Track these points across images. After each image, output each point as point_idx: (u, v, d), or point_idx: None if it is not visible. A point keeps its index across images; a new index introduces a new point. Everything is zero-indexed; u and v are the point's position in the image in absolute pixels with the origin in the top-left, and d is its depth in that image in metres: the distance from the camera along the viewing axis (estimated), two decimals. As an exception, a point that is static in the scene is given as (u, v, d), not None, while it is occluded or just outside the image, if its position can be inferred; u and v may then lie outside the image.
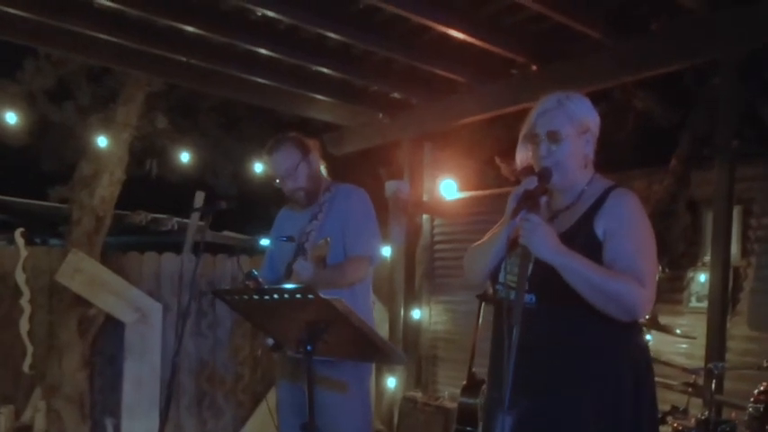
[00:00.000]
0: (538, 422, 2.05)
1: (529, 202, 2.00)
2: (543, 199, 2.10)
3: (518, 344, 2.03)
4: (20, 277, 5.68)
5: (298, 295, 2.30)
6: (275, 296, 2.37)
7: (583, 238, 2.05)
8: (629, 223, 2.06)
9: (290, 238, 3.11)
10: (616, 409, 2.02)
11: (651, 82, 4.54)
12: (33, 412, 5.71)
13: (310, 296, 2.25)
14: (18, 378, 5.72)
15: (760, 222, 4.15)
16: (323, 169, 3.25)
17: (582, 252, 2.00)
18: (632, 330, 2.11)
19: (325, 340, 2.37)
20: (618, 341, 2.06)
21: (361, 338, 2.41)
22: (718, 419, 3.00)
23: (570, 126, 2.08)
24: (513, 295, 2.07)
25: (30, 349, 5.71)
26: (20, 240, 5.73)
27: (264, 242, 3.31)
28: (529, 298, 2.07)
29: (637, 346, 2.13)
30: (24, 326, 5.70)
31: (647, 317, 2.14)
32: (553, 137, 2.08)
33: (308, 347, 2.36)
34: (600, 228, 2.05)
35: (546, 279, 2.01)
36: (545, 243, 1.96)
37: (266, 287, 2.89)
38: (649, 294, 1.98)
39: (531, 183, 2.06)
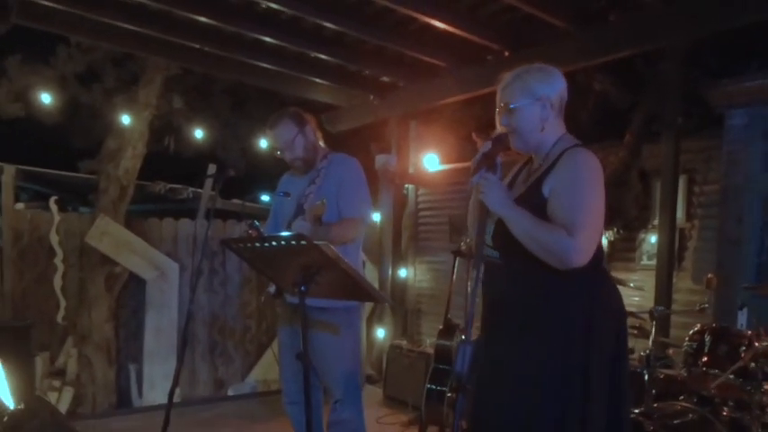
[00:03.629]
0: (500, 361, 2.09)
1: (486, 162, 2.01)
2: (499, 159, 2.07)
3: (488, 294, 2.11)
4: (54, 239, 5.74)
5: (292, 242, 2.29)
6: (273, 243, 2.35)
7: (532, 197, 2.03)
8: (570, 180, 1.98)
9: (286, 194, 3.11)
10: (565, 351, 1.97)
11: (609, 67, 4.56)
12: (66, 358, 5.81)
13: (303, 242, 2.25)
14: (53, 328, 5.79)
15: (702, 189, 4.19)
16: (320, 140, 3.20)
17: (532, 209, 1.97)
18: (584, 280, 2.00)
19: (317, 282, 2.36)
20: (568, 291, 1.99)
21: (348, 280, 2.40)
22: (658, 355, 3.05)
23: (522, 97, 2.04)
24: (489, 252, 2.10)
25: (63, 303, 5.79)
26: (54, 207, 5.78)
27: (265, 198, 3.32)
28: (495, 254, 2.08)
29: (589, 295, 2.02)
30: (58, 282, 5.78)
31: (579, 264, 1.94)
32: (507, 108, 2.07)
33: (303, 288, 2.37)
34: (547, 187, 2.01)
35: (504, 237, 2.02)
36: (495, 198, 1.97)
37: (265, 235, 2.90)
38: (578, 244, 1.91)
39: (486, 146, 2.05)
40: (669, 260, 3.98)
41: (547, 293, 2.01)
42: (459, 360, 1.96)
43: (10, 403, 3.70)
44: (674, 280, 4.09)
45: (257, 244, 2.47)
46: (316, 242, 2.25)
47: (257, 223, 2.95)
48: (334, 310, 2.97)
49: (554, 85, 2.08)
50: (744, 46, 4.25)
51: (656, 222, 4.24)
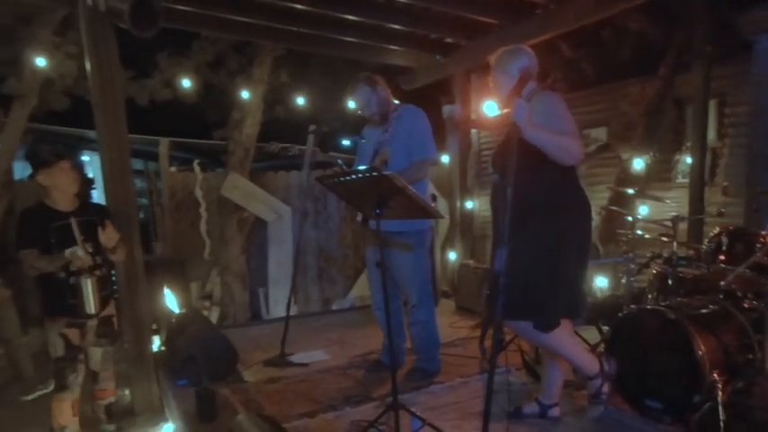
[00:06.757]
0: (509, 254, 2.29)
1: (515, 93, 2.21)
2: (524, 95, 2.29)
3: (493, 208, 2.37)
4: (198, 194, 6.14)
5: (367, 174, 2.46)
6: (353, 176, 2.54)
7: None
8: (546, 110, 2.26)
9: (362, 137, 3.29)
10: (546, 236, 2.25)
11: (644, 8, 4.31)
12: (213, 285, 6.23)
13: (375, 174, 2.45)
14: (201, 262, 6.18)
15: (733, 111, 4.00)
16: (390, 95, 3.28)
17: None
18: (565, 189, 2.30)
19: (389, 206, 2.56)
20: (553, 199, 2.27)
21: (413, 204, 2.55)
22: (684, 257, 3.03)
23: (500, 76, 2.41)
24: (492, 176, 2.41)
25: (207, 242, 6.18)
26: (197, 169, 6.15)
27: (346, 142, 3.48)
28: (495, 176, 2.39)
29: (573, 198, 2.32)
30: (203, 227, 6.18)
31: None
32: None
33: (378, 211, 2.58)
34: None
35: (501, 160, 2.29)
36: (524, 115, 2.14)
37: (346, 170, 3.11)
38: (580, 147, 2.24)
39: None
40: (700, 177, 3.86)
41: (538, 200, 2.28)
42: (497, 260, 2.13)
43: (176, 310, 4.28)
44: (707, 195, 3.96)
45: (341, 178, 2.66)
46: (385, 173, 2.44)
47: (340, 161, 3.18)
48: (408, 234, 3.13)
49: (514, 62, 2.40)
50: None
51: (689, 144, 4.10)
